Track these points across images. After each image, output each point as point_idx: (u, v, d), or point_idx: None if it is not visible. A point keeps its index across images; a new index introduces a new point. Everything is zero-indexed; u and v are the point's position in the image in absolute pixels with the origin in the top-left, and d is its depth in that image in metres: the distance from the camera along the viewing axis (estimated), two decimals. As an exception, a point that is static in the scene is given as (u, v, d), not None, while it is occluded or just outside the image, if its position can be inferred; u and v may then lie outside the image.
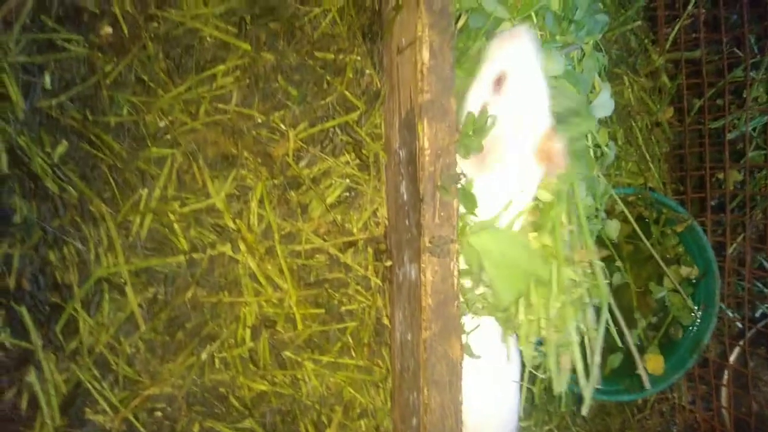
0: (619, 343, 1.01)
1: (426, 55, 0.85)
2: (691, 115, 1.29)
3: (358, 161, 1.07)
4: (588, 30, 1.02)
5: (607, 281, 0.99)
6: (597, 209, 1.03)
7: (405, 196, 0.94)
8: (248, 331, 1.01)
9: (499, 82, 0.90)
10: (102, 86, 0.98)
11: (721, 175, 1.26)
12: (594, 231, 0.99)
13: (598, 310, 1.01)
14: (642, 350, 1.24)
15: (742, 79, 1.21)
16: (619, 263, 1.18)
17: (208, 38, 1.01)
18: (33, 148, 0.94)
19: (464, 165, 0.88)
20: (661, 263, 1.16)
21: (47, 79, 0.97)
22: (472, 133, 0.89)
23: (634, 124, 1.30)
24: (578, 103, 0.91)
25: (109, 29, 0.99)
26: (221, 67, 1.02)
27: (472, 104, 0.91)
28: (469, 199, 0.88)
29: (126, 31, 0.98)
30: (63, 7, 0.97)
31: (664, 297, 1.24)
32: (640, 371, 1.03)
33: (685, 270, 1.23)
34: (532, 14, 1.00)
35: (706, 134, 1.24)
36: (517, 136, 0.89)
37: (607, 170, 1.14)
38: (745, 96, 1.17)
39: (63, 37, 0.97)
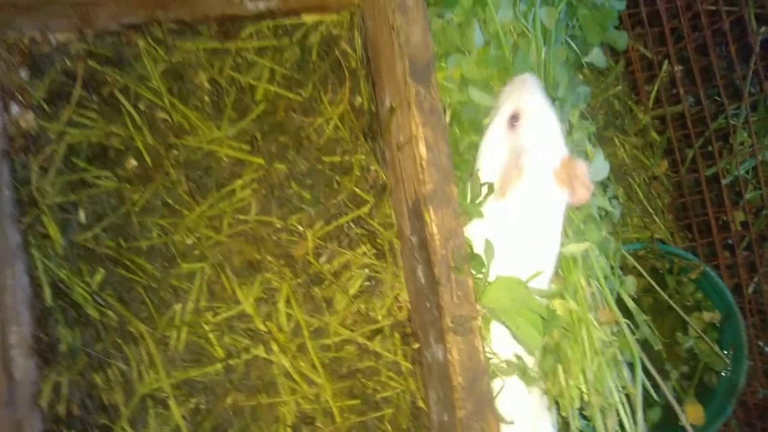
0: (656, 397, 1.02)
1: (423, 150, 0.92)
2: (686, 165, 1.35)
3: (374, 251, 1.13)
4: (572, 103, 1.10)
5: (635, 337, 1.02)
6: (612, 267, 1.07)
7: (422, 280, 0.99)
8: (289, 431, 1.04)
9: (513, 119, 0.99)
10: (132, 214, 1.06)
11: (726, 217, 1.30)
12: (614, 289, 1.03)
13: (631, 367, 1.03)
14: (679, 401, 1.24)
15: (726, 127, 1.27)
16: (642, 318, 1.21)
17: (224, 158, 1.10)
18: (73, 279, 1.01)
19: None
20: (681, 312, 1.19)
21: (82, 214, 1.05)
22: (470, 202, 0.96)
23: (632, 180, 1.36)
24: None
25: (134, 162, 1.08)
26: (239, 182, 1.10)
27: (490, 144, 1.00)
28: (476, 260, 0.93)
29: (149, 162, 1.08)
30: (91, 148, 1.07)
31: (692, 345, 1.25)
32: (683, 423, 1.03)
33: (707, 315, 1.25)
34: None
35: (703, 181, 1.29)
36: (536, 163, 0.96)
37: (614, 229, 1.18)
38: (731, 142, 1.23)
39: (93, 175, 1.06)
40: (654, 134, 1.39)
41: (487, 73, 1.11)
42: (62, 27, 1.06)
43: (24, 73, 1.07)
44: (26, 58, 1.07)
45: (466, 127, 1.08)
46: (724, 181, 1.23)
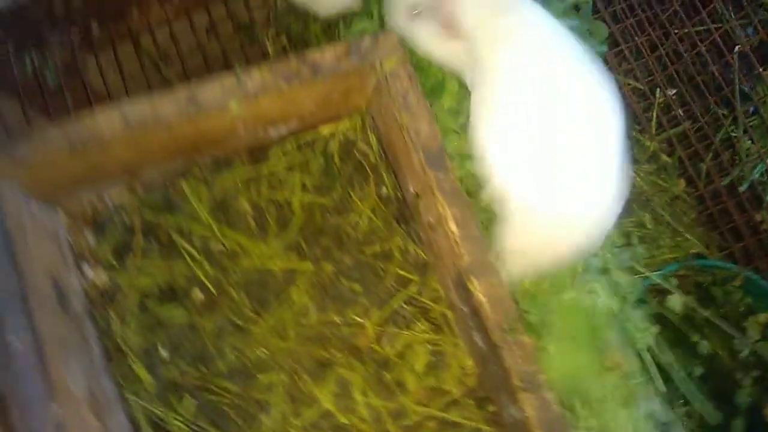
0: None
1: (454, 227, 1.01)
2: (702, 180, 1.41)
3: (431, 325, 1.20)
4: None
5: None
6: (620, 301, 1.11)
7: (482, 345, 1.06)
8: None
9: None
10: (206, 341, 1.15)
11: (753, 220, 1.35)
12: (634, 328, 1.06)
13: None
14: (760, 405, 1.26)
15: (732, 136, 1.34)
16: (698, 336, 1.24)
17: (277, 270, 1.20)
18: (168, 413, 1.10)
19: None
20: (725, 328, 1.22)
21: (163, 351, 1.15)
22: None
23: (654, 205, 1.42)
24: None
25: (199, 293, 1.18)
26: (294, 289, 1.19)
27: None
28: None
29: (213, 290, 1.18)
30: (160, 289, 1.18)
31: (755, 349, 1.27)
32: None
33: (762, 317, 1.28)
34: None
35: (722, 191, 1.35)
36: None
37: (639, 259, 1.23)
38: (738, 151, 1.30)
39: (166, 314, 1.17)
40: (664, 157, 1.46)
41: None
42: (115, 188, 1.19)
43: (90, 236, 1.20)
44: (89, 223, 1.20)
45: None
46: (741, 188, 1.28)
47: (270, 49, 1.36)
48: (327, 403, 1.13)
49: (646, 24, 1.46)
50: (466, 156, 1.13)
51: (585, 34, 1.35)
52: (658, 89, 1.44)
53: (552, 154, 0.96)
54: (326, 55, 1.08)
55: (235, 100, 1.03)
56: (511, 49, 0.99)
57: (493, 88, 1.00)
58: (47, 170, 1.03)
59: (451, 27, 0.98)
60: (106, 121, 1.00)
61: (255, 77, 1.05)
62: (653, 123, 1.45)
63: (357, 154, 1.27)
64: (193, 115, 1.02)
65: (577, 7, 1.36)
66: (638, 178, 1.43)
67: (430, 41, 1.05)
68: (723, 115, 1.31)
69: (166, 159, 1.15)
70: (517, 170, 0.98)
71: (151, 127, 1.01)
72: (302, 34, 1.46)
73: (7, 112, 1.47)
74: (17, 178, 1.01)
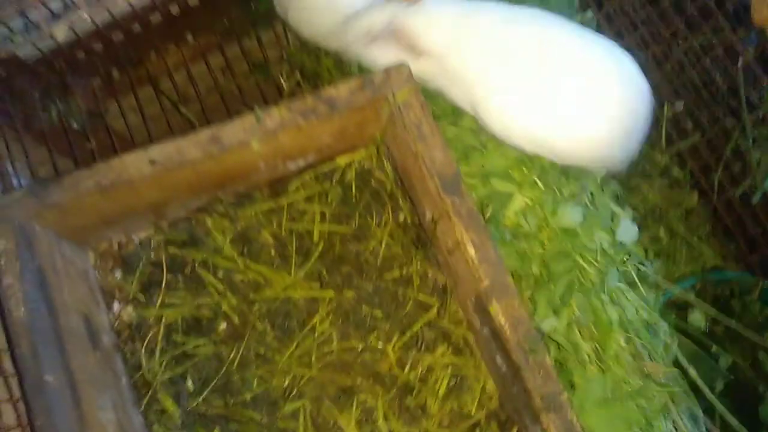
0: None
1: (472, 251, 1.03)
2: (715, 192, 1.42)
3: (452, 348, 1.22)
4: (586, 173, 1.20)
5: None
6: (648, 313, 1.12)
7: (503, 367, 1.07)
8: None
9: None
10: (231, 371, 1.18)
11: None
12: (661, 340, 1.08)
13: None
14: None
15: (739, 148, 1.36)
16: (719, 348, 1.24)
17: (299, 299, 1.23)
18: (197, 443, 1.13)
19: None
20: (752, 338, 1.22)
21: (189, 383, 1.18)
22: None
23: (669, 219, 1.43)
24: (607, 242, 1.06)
25: (224, 325, 1.22)
26: (317, 318, 1.22)
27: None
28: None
29: (237, 321, 1.21)
30: (185, 322, 1.22)
31: (778, 360, 1.27)
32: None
33: (783, 327, 1.28)
34: (536, 179, 1.20)
35: (735, 203, 1.36)
36: None
37: (656, 274, 1.24)
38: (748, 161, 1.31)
39: (192, 345, 1.20)
40: (676, 171, 1.47)
41: (506, 162, 1.23)
42: (142, 227, 1.24)
43: (117, 273, 1.24)
44: (117, 261, 1.24)
45: (494, 215, 1.18)
46: (754, 199, 1.29)
47: (285, 86, 1.41)
48: (351, 429, 1.15)
49: (650, 39, 1.49)
50: (490, 172, 1.16)
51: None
52: (666, 103, 1.46)
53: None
54: (341, 90, 1.12)
55: (256, 138, 1.07)
56: (479, 37, 1.04)
57: (483, 72, 1.07)
58: (77, 213, 1.07)
59: (413, 48, 1.02)
60: (134, 164, 1.04)
61: (274, 115, 1.09)
62: (663, 137, 1.47)
63: (374, 183, 1.30)
64: (216, 154, 1.06)
65: (580, 24, 1.40)
66: (651, 193, 1.44)
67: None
68: (732, 126, 1.33)
69: (190, 196, 1.19)
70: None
71: (177, 168, 1.05)
72: (315, 69, 1.51)
73: (35, 157, 1.53)
74: (49, 222, 1.06)
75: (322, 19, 1.22)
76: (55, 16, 1.38)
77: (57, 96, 1.58)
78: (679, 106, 1.50)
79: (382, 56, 1.12)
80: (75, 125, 1.59)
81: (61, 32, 1.11)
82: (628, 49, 1.52)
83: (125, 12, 1.47)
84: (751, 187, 1.32)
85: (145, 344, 1.19)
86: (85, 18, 0.90)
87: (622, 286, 1.09)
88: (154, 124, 1.56)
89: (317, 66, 1.51)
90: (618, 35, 1.55)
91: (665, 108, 1.50)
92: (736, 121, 1.34)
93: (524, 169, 1.21)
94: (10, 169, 1.44)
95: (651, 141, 1.54)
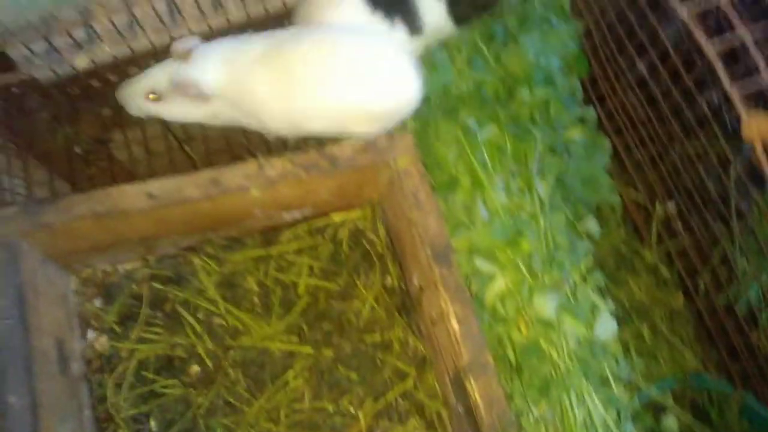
0: None
1: (455, 324, 1.03)
2: (700, 296, 1.44)
3: (424, 422, 1.20)
4: (572, 263, 1.21)
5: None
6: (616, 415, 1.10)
7: (474, 446, 1.05)
8: None
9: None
10: (198, 417, 1.15)
11: (755, 338, 1.35)
12: None
13: None
14: None
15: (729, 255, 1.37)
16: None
17: (276, 351, 1.21)
18: (151, 489, 1.08)
19: None
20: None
21: (153, 423, 1.15)
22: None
23: (653, 318, 1.43)
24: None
25: (197, 368, 1.19)
26: (291, 373, 1.20)
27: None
28: None
29: (211, 365, 1.19)
30: (158, 360, 1.19)
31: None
32: None
33: (760, 440, 1.26)
34: (519, 263, 1.20)
35: (720, 310, 1.37)
36: None
37: (636, 372, 1.23)
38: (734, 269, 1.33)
39: (161, 385, 1.17)
40: (664, 270, 1.49)
41: (492, 243, 1.24)
42: (129, 258, 1.23)
43: (98, 302, 1.22)
44: (99, 289, 1.23)
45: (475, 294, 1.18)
46: (738, 308, 1.30)
47: (291, 138, 1.44)
48: (313, 493, 1.11)
49: (647, 140, 1.54)
50: (476, 250, 1.17)
51: (589, 146, 1.43)
52: (657, 202, 1.50)
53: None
54: (344, 150, 1.14)
55: (256, 185, 1.09)
56: (249, 63, 1.14)
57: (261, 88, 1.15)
58: (68, 236, 1.07)
59: (199, 95, 1.13)
60: (132, 195, 1.05)
61: (276, 165, 1.11)
62: (653, 236, 1.50)
63: (365, 243, 1.31)
64: (215, 196, 1.08)
65: (582, 120, 1.45)
66: (638, 290, 1.46)
67: (189, 112, 1.19)
68: (721, 232, 1.36)
69: (182, 234, 1.20)
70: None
71: (174, 205, 1.06)
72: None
73: (35, 177, 1.54)
74: (38, 241, 1.06)
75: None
76: (77, 45, 1.42)
77: (66, 120, 1.60)
78: (672, 207, 1.53)
79: (176, 110, 1.19)
80: (78, 150, 1.60)
81: (81, 61, 1.14)
82: (627, 146, 1.59)
83: (145, 49, 1.52)
84: (736, 295, 1.33)
85: (113, 377, 1.16)
86: (106, 51, 0.92)
87: (592, 385, 1.08)
88: (157, 160, 1.58)
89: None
90: (617, 131, 1.60)
91: (657, 207, 1.53)
92: (725, 228, 1.37)
93: (509, 251, 1.22)
94: (6, 184, 1.45)
95: (641, 239, 1.57)
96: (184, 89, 1.12)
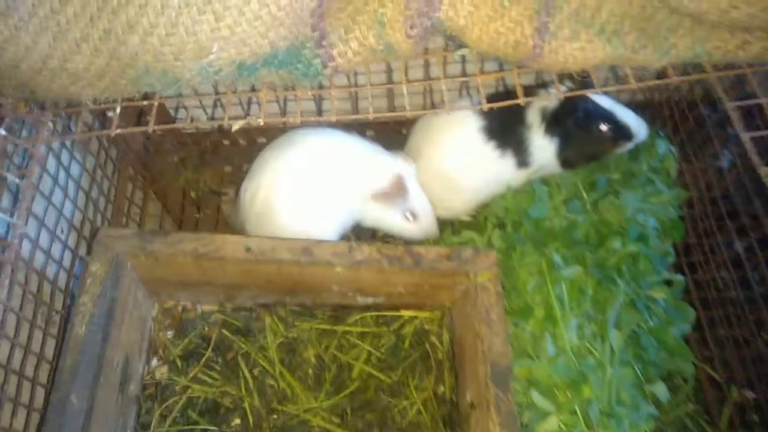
0: None
1: (499, 449, 1.02)
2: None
3: None
4: (631, 422, 1.17)
5: None
6: None
7: None
8: None
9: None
10: (226, 470, 1.17)
11: None
12: None
13: None
14: None
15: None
16: None
17: (315, 427, 1.23)
18: None
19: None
20: None
21: (184, 463, 1.18)
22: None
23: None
24: None
25: (238, 420, 1.23)
26: (324, 453, 1.21)
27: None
28: None
29: (251, 422, 1.22)
30: (206, 403, 1.24)
31: None
32: None
33: None
34: (577, 408, 1.18)
35: None
36: None
37: None
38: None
39: (202, 428, 1.21)
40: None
41: (553, 380, 1.22)
42: (209, 300, 1.32)
43: (170, 333, 1.31)
44: (175, 321, 1.32)
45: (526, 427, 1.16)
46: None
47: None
48: None
49: (735, 320, 1.49)
50: (535, 384, 1.17)
51: (671, 311, 1.40)
52: (735, 386, 1.43)
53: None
54: (430, 253, 1.20)
55: (342, 264, 1.16)
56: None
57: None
58: (166, 267, 1.18)
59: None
60: (232, 245, 1.15)
61: (364, 250, 1.18)
62: (724, 419, 1.42)
63: (427, 346, 1.33)
64: (303, 263, 1.16)
65: (669, 283, 1.44)
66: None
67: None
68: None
69: (263, 291, 1.27)
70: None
71: (265, 262, 1.15)
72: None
73: (150, 209, 1.71)
74: (141, 264, 1.17)
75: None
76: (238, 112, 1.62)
77: (191, 166, 1.78)
78: (750, 395, 1.45)
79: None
80: (193, 195, 1.77)
81: (236, 125, 1.28)
82: (712, 321, 1.54)
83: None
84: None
85: (162, 408, 1.22)
86: (259, 122, 1.06)
87: None
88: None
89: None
90: (704, 304, 1.56)
91: (733, 390, 1.46)
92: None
93: (569, 392, 1.20)
94: (126, 209, 1.61)
95: (711, 418, 1.48)
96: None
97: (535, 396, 1.19)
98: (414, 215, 1.46)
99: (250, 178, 1.43)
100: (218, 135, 1.78)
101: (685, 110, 1.64)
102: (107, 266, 1.10)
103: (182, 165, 1.78)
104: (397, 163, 1.44)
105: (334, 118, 1.10)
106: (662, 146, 1.55)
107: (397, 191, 1.41)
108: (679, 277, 1.44)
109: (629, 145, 1.47)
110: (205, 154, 1.80)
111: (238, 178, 1.76)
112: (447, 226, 1.62)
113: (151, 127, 1.08)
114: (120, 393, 1.13)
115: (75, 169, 1.38)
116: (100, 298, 1.07)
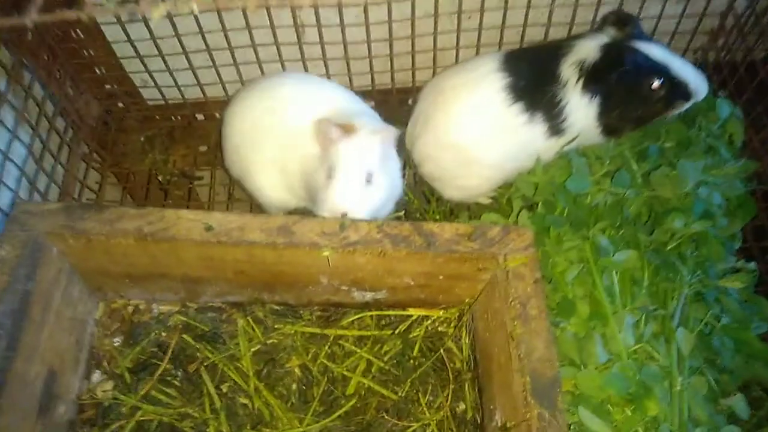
0: None
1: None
2: None
3: None
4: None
5: None
6: None
7: None
8: None
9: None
10: None
11: None
12: None
13: None
14: None
15: None
16: None
17: (301, 460, 0.95)
18: None
19: None
20: None
21: None
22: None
23: None
24: None
25: (201, 453, 0.95)
26: (312, 493, 0.93)
27: None
28: None
29: (218, 455, 0.94)
30: (160, 427, 0.96)
31: None
32: None
33: None
34: (639, 430, 0.91)
35: None
36: None
37: None
38: None
39: (154, 462, 0.93)
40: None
41: (607, 394, 0.95)
42: (168, 299, 1.05)
43: (117, 340, 1.03)
44: (124, 325, 1.04)
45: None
46: None
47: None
48: None
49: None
50: (583, 399, 0.89)
51: (745, 306, 1.13)
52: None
53: None
54: (445, 231, 0.93)
55: (331, 246, 0.89)
56: None
57: None
58: (105, 252, 0.90)
59: None
60: (188, 223, 0.88)
61: (361, 229, 0.91)
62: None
63: (443, 353, 1.06)
64: (281, 247, 0.88)
65: (737, 272, 1.16)
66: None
67: None
68: None
69: (233, 285, 1.00)
70: None
71: (231, 245, 0.88)
72: (419, 208, 1.36)
73: (107, 195, 1.45)
74: (71, 250, 0.90)
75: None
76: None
77: (159, 147, 1.52)
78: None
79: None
80: (160, 179, 1.50)
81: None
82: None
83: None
84: None
85: (102, 435, 0.95)
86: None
87: None
88: (238, 206, 1.44)
89: (426, 207, 1.36)
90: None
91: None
92: None
93: (629, 410, 0.93)
94: (76, 194, 1.34)
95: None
96: None
97: (585, 415, 0.92)
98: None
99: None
100: (191, 108, 1.51)
101: (747, 71, 1.37)
102: (20, 250, 0.84)
103: (148, 144, 1.51)
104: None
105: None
106: (725, 109, 1.27)
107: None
108: (752, 265, 1.16)
109: (686, 106, 1.20)
110: (175, 130, 1.54)
111: (215, 159, 1.49)
112: (462, 209, 1.35)
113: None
114: (39, 418, 0.85)
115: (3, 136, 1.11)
116: (6, 292, 0.80)
